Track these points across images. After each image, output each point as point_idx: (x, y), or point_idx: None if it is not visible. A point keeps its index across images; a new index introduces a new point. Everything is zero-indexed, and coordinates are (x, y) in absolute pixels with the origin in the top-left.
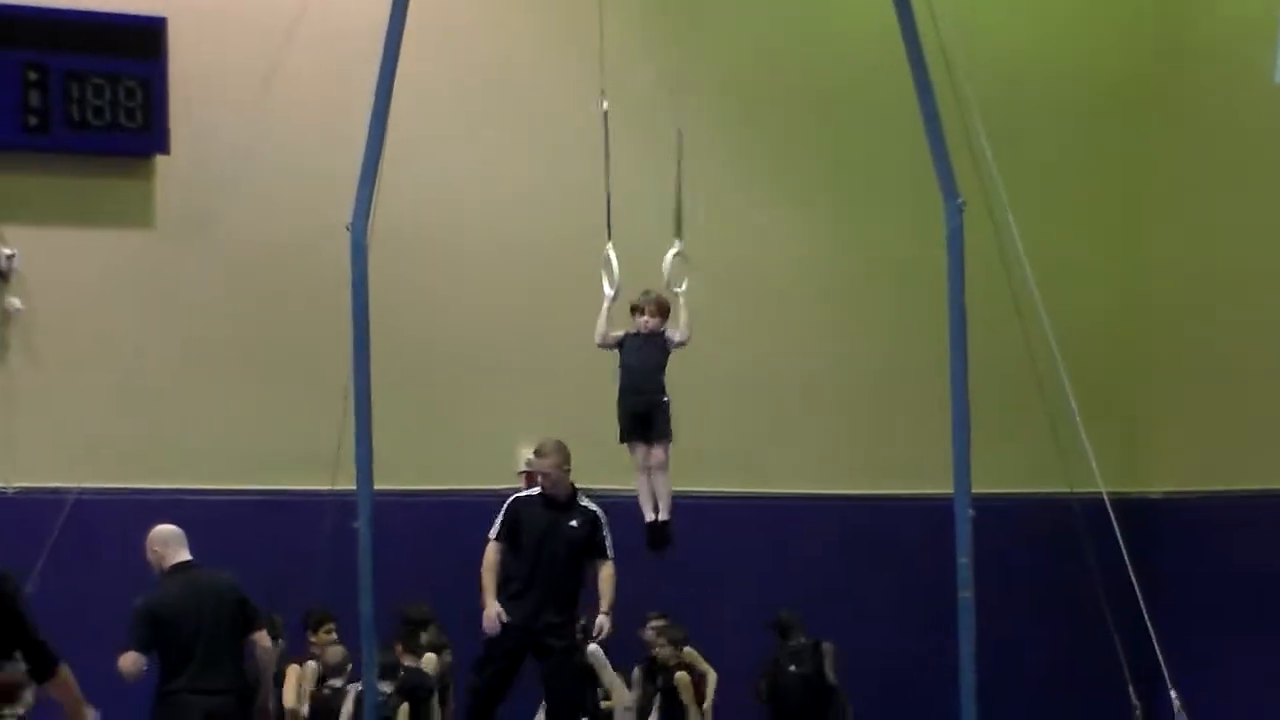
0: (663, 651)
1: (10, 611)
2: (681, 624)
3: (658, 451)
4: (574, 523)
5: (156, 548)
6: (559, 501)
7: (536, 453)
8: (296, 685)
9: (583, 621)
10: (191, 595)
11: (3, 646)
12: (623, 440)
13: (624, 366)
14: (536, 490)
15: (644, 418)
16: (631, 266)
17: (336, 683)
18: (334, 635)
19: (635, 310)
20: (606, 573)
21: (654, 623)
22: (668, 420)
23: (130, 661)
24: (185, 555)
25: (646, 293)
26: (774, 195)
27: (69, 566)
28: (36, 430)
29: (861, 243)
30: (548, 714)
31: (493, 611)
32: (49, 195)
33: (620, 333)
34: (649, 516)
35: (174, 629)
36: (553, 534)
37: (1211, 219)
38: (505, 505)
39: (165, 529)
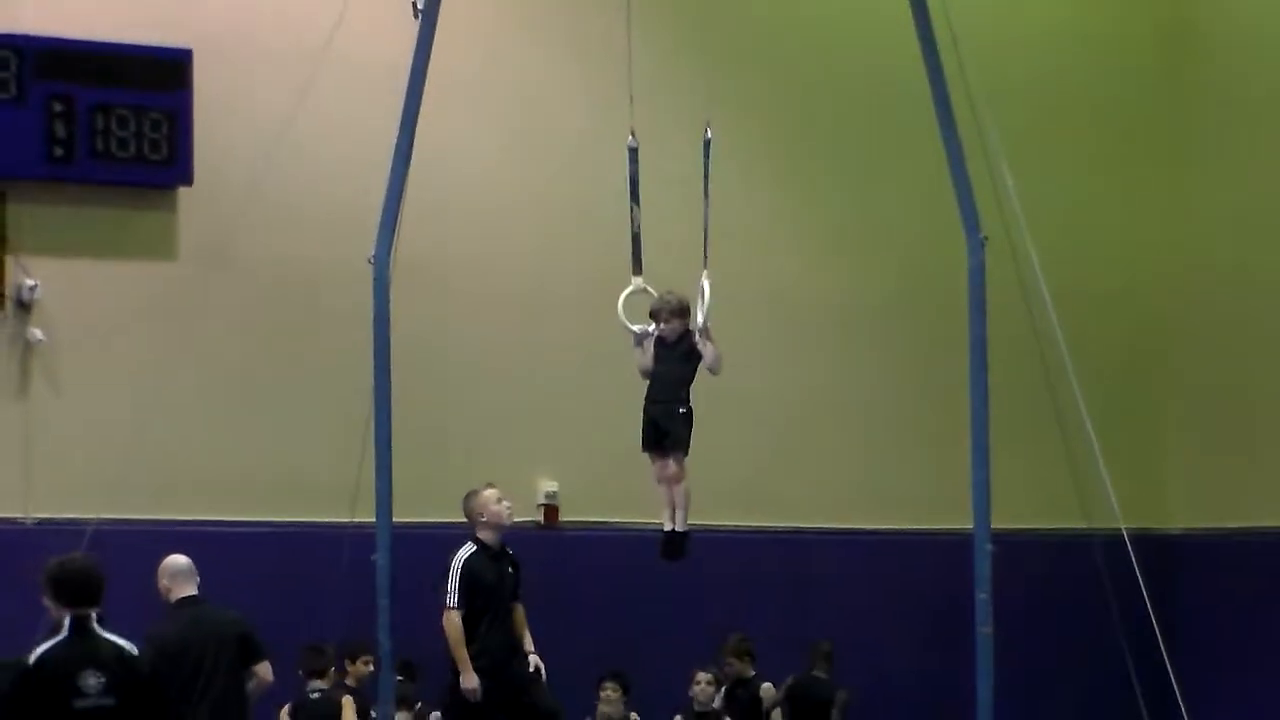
0: (701, 690)
1: (144, 691)
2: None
3: (672, 464)
4: (510, 568)
5: (165, 580)
6: (498, 550)
7: (493, 487)
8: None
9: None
10: (193, 631)
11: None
12: (644, 449)
13: (650, 374)
14: (471, 546)
15: (661, 426)
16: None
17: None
18: (371, 666)
19: (654, 317)
20: (522, 614)
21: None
22: (686, 430)
23: None
24: (191, 590)
25: (664, 297)
26: (794, 225)
27: None
28: (56, 461)
29: (881, 274)
30: None
31: (474, 684)
32: (72, 226)
33: (650, 340)
34: (666, 526)
35: (174, 664)
36: (501, 585)
37: (1234, 255)
38: (459, 570)
39: (175, 561)
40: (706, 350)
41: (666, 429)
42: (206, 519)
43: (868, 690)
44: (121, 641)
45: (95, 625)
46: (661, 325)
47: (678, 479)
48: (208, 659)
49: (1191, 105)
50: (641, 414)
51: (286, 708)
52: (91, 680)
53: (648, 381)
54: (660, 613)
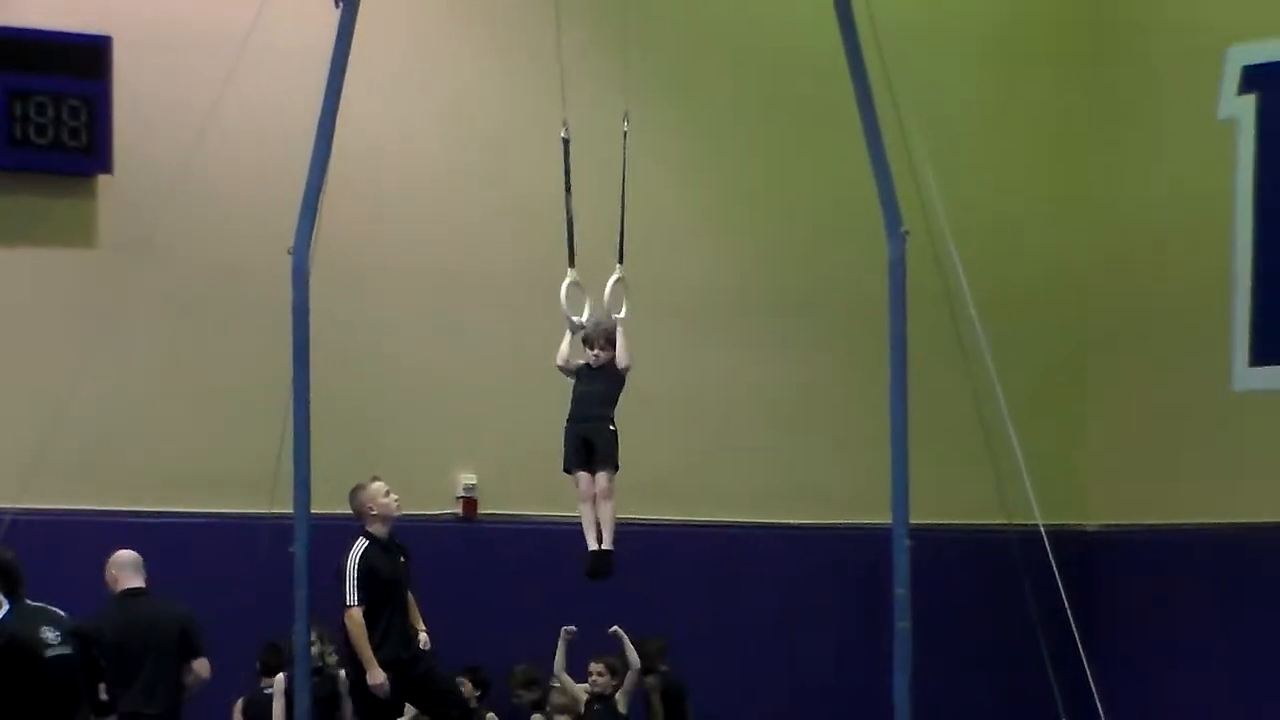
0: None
1: (81, 641)
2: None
3: (600, 479)
4: (403, 558)
5: (114, 571)
6: (388, 542)
7: (379, 480)
8: None
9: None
10: (133, 621)
11: (92, 684)
12: (567, 469)
13: (574, 397)
14: (364, 541)
15: (588, 443)
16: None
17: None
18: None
19: (587, 343)
20: (413, 600)
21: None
22: (613, 449)
23: None
24: (137, 582)
25: (597, 324)
26: (714, 218)
27: None
28: None
29: (803, 268)
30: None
31: (382, 678)
32: None
33: (579, 363)
34: (591, 545)
35: (111, 653)
36: (395, 575)
37: (1154, 253)
38: (356, 567)
39: (125, 554)
40: (619, 343)
41: (597, 447)
42: (125, 509)
43: (788, 683)
44: (49, 606)
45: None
46: (596, 353)
47: (608, 495)
48: (148, 651)
49: (1116, 103)
50: (564, 433)
51: (239, 704)
52: (49, 634)
53: (571, 403)
54: (579, 606)
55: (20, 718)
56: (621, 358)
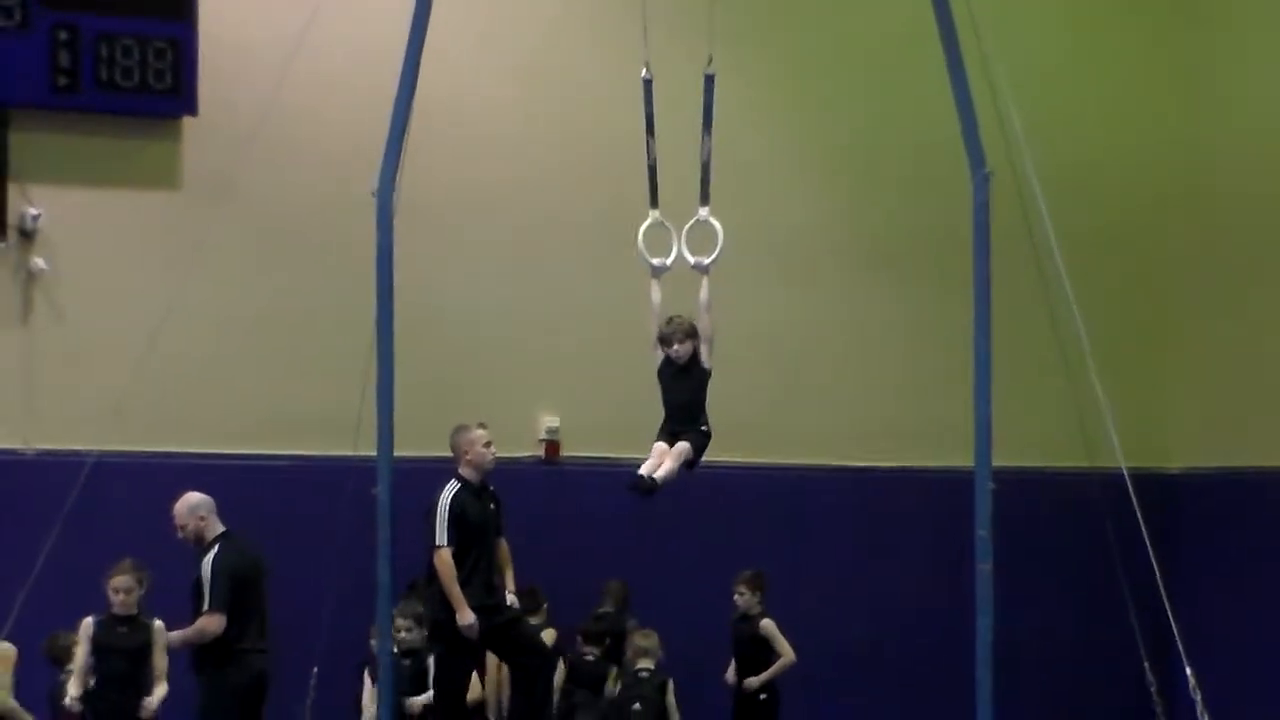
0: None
1: None
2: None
3: (681, 444)
4: (493, 505)
5: (204, 514)
6: (479, 486)
7: (484, 428)
8: None
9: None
10: (241, 560)
11: None
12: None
13: (664, 399)
14: (455, 484)
15: (680, 437)
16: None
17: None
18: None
19: (664, 342)
20: (507, 549)
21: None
22: (703, 445)
23: (216, 623)
24: (221, 524)
25: (670, 321)
26: (798, 159)
27: (88, 529)
28: (57, 392)
29: (886, 208)
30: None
31: (472, 619)
32: (76, 155)
33: (662, 353)
34: (645, 470)
35: (248, 590)
36: (486, 521)
37: (1241, 190)
38: (448, 509)
39: (204, 498)
40: (703, 345)
41: (689, 440)
42: (207, 451)
43: (868, 626)
44: None
45: None
46: (675, 349)
47: (682, 454)
48: (256, 587)
49: (1198, 40)
50: (658, 430)
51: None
52: None
53: (664, 404)
54: (660, 549)
55: None
56: (705, 358)
